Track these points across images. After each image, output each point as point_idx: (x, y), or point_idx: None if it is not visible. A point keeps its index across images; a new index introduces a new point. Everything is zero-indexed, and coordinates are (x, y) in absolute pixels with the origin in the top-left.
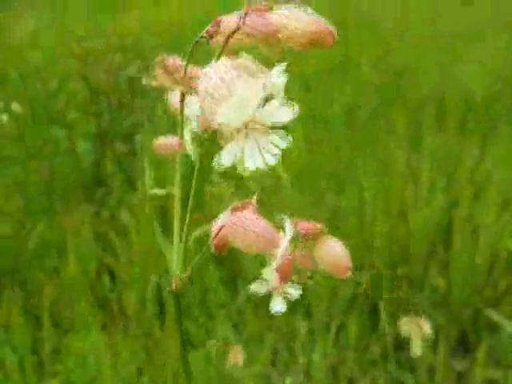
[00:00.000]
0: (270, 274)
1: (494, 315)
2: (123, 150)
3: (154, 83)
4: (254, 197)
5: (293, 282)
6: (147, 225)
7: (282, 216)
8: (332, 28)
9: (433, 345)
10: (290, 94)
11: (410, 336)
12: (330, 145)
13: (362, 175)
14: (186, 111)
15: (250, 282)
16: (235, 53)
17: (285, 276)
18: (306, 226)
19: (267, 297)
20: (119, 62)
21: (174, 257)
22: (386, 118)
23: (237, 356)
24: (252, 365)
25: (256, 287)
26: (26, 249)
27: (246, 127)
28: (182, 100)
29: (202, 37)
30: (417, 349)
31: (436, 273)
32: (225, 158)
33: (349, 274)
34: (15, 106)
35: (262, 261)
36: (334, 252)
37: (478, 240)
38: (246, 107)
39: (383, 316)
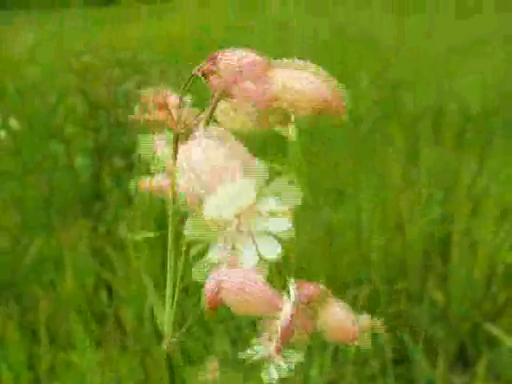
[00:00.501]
0: (267, 339)
1: (494, 329)
2: (121, 165)
3: (147, 118)
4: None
5: (292, 346)
6: (144, 241)
7: (288, 280)
8: (343, 97)
9: (432, 359)
10: None
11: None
12: (329, 158)
13: (360, 188)
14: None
15: None
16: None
17: (285, 341)
18: (309, 288)
19: None
20: (118, 77)
21: (166, 318)
22: (384, 132)
23: (214, 372)
24: (248, 381)
25: (251, 353)
26: (22, 264)
27: (238, 218)
28: (176, 142)
29: (193, 75)
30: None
31: (434, 286)
32: (213, 257)
33: (355, 340)
34: (13, 123)
35: None
36: (338, 317)
37: (476, 254)
38: (241, 196)
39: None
